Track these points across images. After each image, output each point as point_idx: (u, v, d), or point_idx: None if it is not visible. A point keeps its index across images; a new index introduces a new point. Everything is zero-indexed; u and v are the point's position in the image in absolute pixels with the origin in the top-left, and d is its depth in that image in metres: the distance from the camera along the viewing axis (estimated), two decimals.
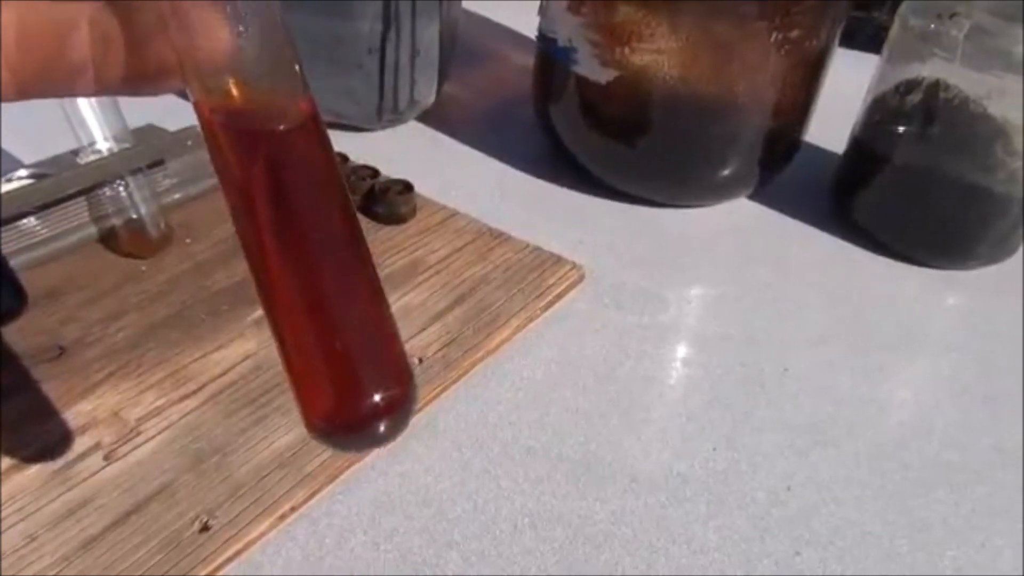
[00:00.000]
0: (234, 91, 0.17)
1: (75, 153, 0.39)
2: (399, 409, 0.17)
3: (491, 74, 0.65)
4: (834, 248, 0.49)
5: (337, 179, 0.18)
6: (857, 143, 0.50)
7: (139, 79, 0.18)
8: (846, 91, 0.50)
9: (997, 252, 0.48)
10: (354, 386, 0.17)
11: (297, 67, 0.17)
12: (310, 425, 0.17)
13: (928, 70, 0.45)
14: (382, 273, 0.39)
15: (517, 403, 0.36)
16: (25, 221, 0.38)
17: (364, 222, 0.43)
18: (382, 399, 0.16)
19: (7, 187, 0.36)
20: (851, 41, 0.59)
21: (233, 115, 0.17)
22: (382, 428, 0.17)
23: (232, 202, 0.17)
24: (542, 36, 0.50)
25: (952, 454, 0.36)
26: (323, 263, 0.17)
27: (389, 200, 0.43)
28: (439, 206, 0.46)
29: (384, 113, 0.54)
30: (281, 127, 0.17)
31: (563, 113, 0.51)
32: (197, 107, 0.17)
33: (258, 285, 0.17)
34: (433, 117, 0.57)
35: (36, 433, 0.31)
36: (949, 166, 0.45)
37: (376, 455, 0.32)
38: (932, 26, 0.44)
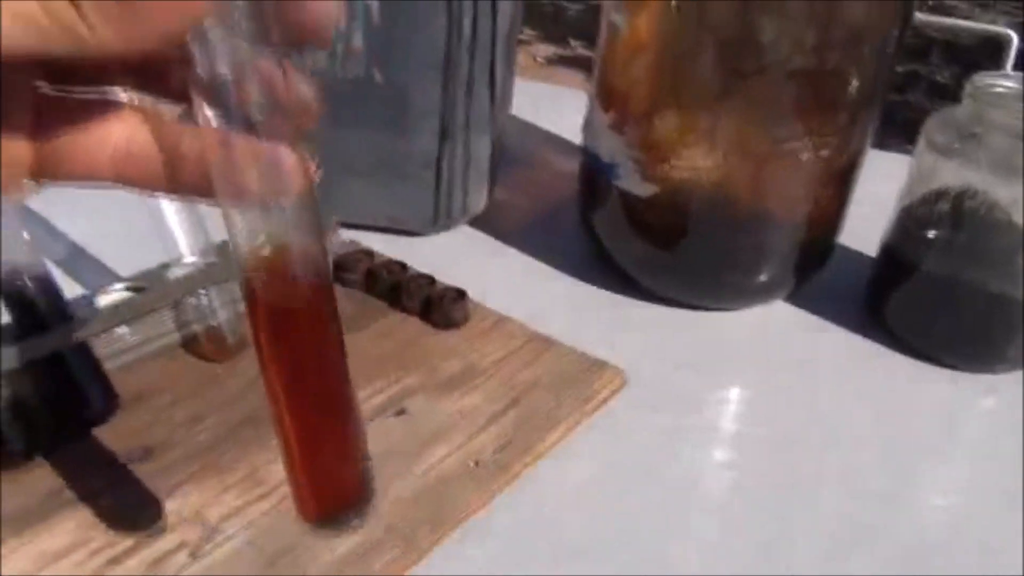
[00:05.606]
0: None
1: (165, 267, 0.43)
2: (363, 509, 0.24)
3: (536, 179, 0.69)
4: (868, 351, 0.51)
5: (340, 349, 0.22)
6: (888, 250, 0.53)
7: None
8: (880, 191, 0.52)
9: None
10: (328, 496, 0.24)
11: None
12: (301, 516, 0.23)
13: (955, 179, 0.47)
14: (440, 377, 0.43)
15: (566, 505, 0.38)
16: (117, 330, 0.41)
17: (422, 327, 0.47)
18: (349, 504, 0.24)
19: (105, 300, 0.40)
20: (888, 125, 0.61)
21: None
22: (353, 521, 0.24)
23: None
24: (586, 151, 0.54)
25: (985, 560, 0.37)
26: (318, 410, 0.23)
27: (444, 307, 0.47)
28: (490, 311, 0.49)
29: (438, 219, 0.57)
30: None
31: (605, 221, 0.54)
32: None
33: (275, 424, 0.22)
34: (483, 221, 0.61)
35: (129, 531, 0.34)
36: (974, 274, 0.47)
37: (429, 563, 0.35)
38: (956, 144, 0.47)
